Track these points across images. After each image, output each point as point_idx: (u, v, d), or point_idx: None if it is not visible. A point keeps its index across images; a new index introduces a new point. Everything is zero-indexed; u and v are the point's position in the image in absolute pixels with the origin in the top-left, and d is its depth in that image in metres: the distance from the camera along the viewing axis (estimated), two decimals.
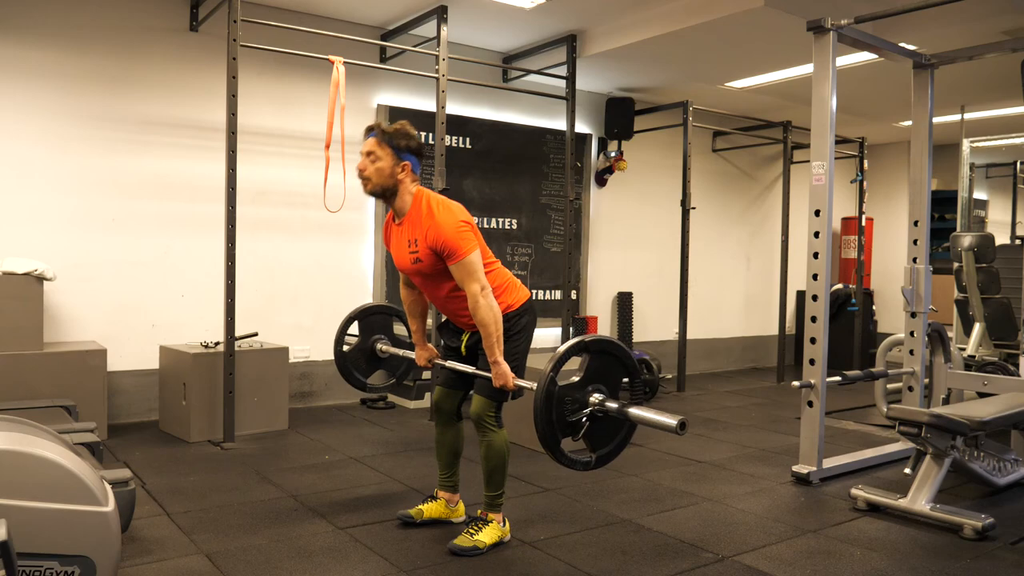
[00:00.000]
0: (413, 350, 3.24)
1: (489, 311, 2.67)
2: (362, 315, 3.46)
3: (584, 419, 2.40)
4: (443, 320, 3.07)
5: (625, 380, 2.52)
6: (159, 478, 3.62)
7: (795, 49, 5.19)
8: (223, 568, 2.62)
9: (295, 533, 2.96)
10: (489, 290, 2.70)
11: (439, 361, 3.05)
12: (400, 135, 2.79)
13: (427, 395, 5.26)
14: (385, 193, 2.80)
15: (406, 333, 3.42)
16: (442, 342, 3.08)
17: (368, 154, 2.78)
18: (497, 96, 6.11)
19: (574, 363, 2.46)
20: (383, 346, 3.42)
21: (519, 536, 2.96)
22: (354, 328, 3.45)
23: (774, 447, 4.55)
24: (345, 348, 3.43)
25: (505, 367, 2.69)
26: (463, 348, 2.95)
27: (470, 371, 2.87)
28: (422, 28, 5.20)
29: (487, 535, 2.81)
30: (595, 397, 2.42)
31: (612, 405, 2.40)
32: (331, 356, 5.40)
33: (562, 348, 2.38)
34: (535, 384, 2.41)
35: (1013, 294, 5.65)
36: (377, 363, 3.47)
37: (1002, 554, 2.90)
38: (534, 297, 6.40)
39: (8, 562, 1.61)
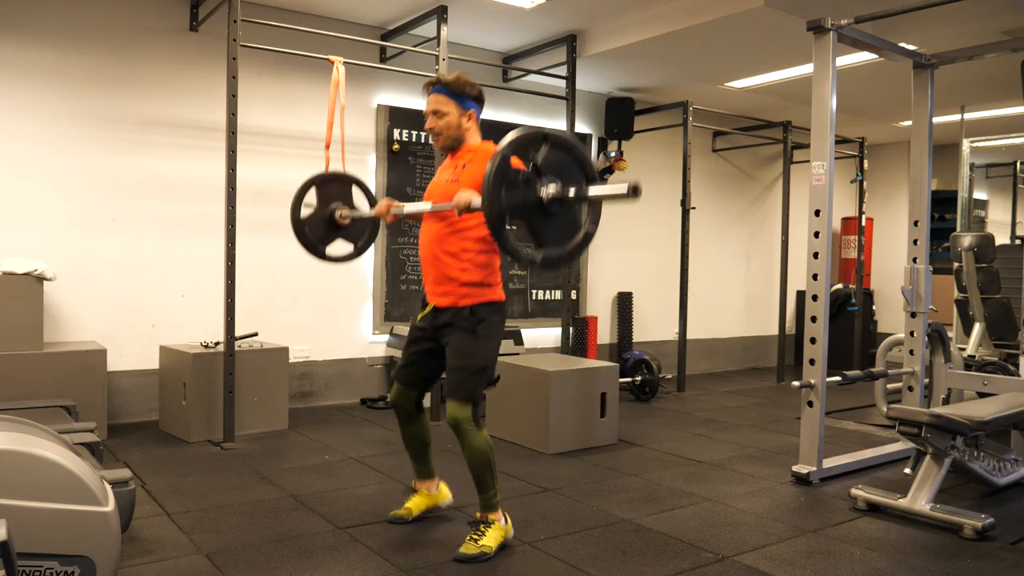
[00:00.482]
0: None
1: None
2: (319, 182, 3.37)
3: (537, 207, 2.31)
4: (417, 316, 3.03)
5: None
6: (159, 478, 3.62)
7: (795, 49, 5.19)
8: (223, 568, 2.62)
9: (295, 533, 2.96)
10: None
11: (397, 209, 2.99)
12: (462, 84, 2.84)
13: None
14: (454, 145, 2.87)
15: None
16: (409, 336, 3.03)
17: (434, 112, 2.83)
18: (497, 96, 6.11)
19: None
20: (343, 211, 3.33)
21: (519, 536, 2.96)
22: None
23: (774, 447, 4.55)
24: (303, 215, 3.33)
25: (467, 193, 2.55)
26: (430, 328, 2.90)
27: (424, 208, 2.81)
28: (422, 28, 5.20)
29: (491, 538, 2.79)
30: (549, 188, 2.32)
31: (568, 190, 2.31)
32: (332, 356, 5.48)
33: (519, 131, 2.30)
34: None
35: (1013, 294, 5.65)
36: (336, 231, 3.37)
37: (1002, 554, 2.90)
38: (534, 297, 6.45)
39: (8, 562, 1.61)
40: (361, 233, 3.46)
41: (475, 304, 2.79)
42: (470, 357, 2.77)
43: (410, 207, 2.97)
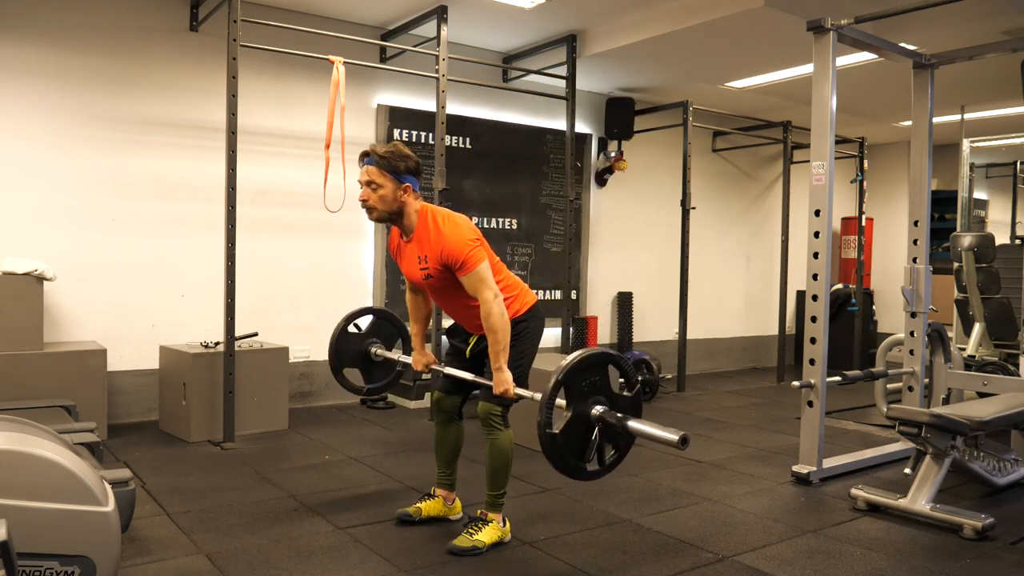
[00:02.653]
0: (408, 354, 3.25)
1: (500, 318, 2.70)
2: (356, 315, 3.45)
3: (592, 442, 2.40)
4: (452, 324, 3.08)
5: (621, 381, 2.52)
6: (159, 478, 3.62)
7: (795, 49, 5.19)
8: (223, 568, 2.62)
9: (295, 533, 2.96)
10: (501, 298, 2.74)
11: (436, 367, 3.07)
12: (397, 157, 2.77)
13: (427, 395, 5.25)
14: (392, 217, 2.83)
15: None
16: (446, 343, 3.09)
17: (368, 183, 2.78)
18: (497, 96, 6.11)
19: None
20: (378, 349, 3.41)
21: (519, 536, 2.96)
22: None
23: (774, 447, 4.55)
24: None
25: (507, 375, 2.71)
26: (468, 352, 2.97)
27: (469, 378, 2.89)
28: (422, 28, 5.20)
29: (487, 535, 2.81)
30: (596, 411, 2.39)
31: (612, 421, 2.37)
32: None
33: (544, 401, 2.34)
34: (535, 394, 2.43)
35: (1013, 294, 5.64)
36: (370, 366, 3.45)
37: (1002, 554, 2.90)
38: None
39: (8, 562, 1.61)
40: (392, 369, 3.49)
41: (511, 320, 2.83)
42: (509, 363, 2.79)
43: (449, 369, 2.98)
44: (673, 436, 2.24)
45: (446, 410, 3.04)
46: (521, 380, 2.83)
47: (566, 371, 2.35)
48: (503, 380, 2.70)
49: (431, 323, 4.14)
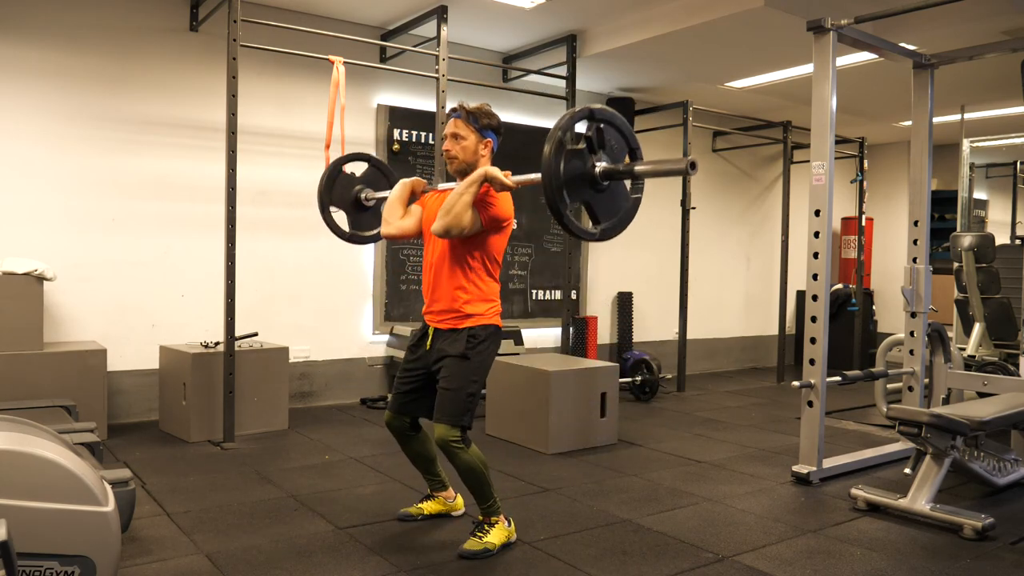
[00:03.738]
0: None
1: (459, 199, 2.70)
2: (351, 159, 3.48)
3: (591, 183, 2.37)
4: (413, 339, 3.01)
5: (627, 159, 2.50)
6: (159, 478, 3.62)
7: (795, 49, 5.19)
8: (223, 568, 2.62)
9: (295, 533, 2.96)
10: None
11: (426, 187, 3.04)
12: (483, 114, 2.88)
13: None
14: (467, 171, 2.87)
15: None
16: (406, 357, 3.00)
17: (454, 135, 2.86)
18: (497, 96, 6.11)
19: None
20: (366, 193, 3.41)
21: (519, 536, 2.96)
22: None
23: (774, 447, 4.55)
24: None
25: (493, 171, 2.73)
26: (428, 344, 2.90)
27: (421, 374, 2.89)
28: (422, 28, 5.20)
29: (495, 536, 2.81)
30: (601, 164, 2.37)
31: (620, 168, 2.36)
32: (332, 356, 5.47)
33: (567, 113, 2.36)
34: (534, 175, 2.46)
35: (1013, 294, 5.64)
36: (357, 212, 3.44)
37: (1002, 554, 2.90)
38: (534, 297, 6.45)
39: (8, 562, 1.61)
40: (372, 224, 3.54)
41: (473, 327, 2.81)
42: (462, 381, 2.76)
43: (441, 186, 3.00)
44: (679, 164, 2.23)
45: (397, 430, 2.99)
46: (471, 402, 2.77)
47: (602, 108, 2.39)
48: (488, 171, 2.72)
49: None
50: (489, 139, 2.90)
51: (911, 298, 4.22)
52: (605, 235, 2.47)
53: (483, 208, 2.75)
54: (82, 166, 4.59)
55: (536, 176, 2.44)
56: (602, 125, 2.39)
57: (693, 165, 2.21)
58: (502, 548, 2.82)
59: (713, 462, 4.19)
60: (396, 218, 2.98)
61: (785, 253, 7.09)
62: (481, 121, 2.87)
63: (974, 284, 5.66)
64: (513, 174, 2.79)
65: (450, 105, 5.39)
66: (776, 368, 7.34)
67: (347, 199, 3.45)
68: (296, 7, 5.09)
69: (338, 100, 4.47)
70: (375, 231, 3.53)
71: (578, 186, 2.36)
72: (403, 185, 3.05)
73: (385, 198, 3.33)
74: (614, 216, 2.47)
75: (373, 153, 5.58)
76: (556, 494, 3.53)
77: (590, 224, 2.46)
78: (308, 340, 5.36)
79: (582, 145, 2.35)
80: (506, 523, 2.87)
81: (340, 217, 3.60)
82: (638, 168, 2.37)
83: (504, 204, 2.82)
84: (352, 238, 3.52)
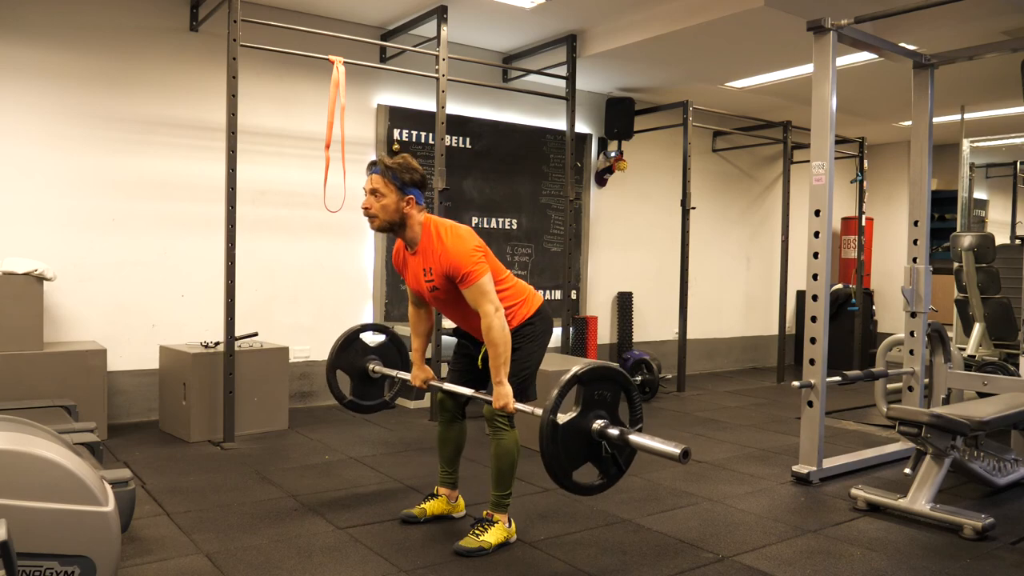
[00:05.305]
0: (407, 370, 3.27)
1: (500, 332, 2.71)
2: (372, 328, 3.50)
3: (590, 451, 2.43)
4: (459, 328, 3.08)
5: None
6: (159, 478, 3.62)
7: (795, 49, 5.19)
8: (223, 568, 2.62)
9: (295, 533, 2.96)
10: (502, 311, 2.75)
11: (434, 383, 3.09)
12: (404, 169, 2.81)
13: (427, 395, 5.25)
14: (393, 227, 2.85)
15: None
16: (456, 345, 3.08)
17: (372, 192, 2.81)
18: (497, 96, 6.11)
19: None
20: (375, 366, 3.42)
21: (520, 536, 2.96)
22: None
23: (774, 447, 4.55)
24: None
25: (507, 389, 2.71)
26: (479, 361, 2.97)
27: (468, 394, 2.92)
28: (422, 28, 5.20)
29: (493, 535, 2.82)
30: (597, 425, 2.43)
31: (614, 433, 2.41)
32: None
33: (555, 392, 2.38)
34: (536, 409, 2.46)
35: (1013, 294, 5.64)
36: (363, 382, 3.45)
37: (1002, 554, 2.90)
38: None
39: (8, 562, 1.61)
40: (376, 395, 3.52)
41: (514, 328, 2.83)
42: (515, 368, 2.80)
43: (447, 388, 3.00)
44: (675, 449, 2.29)
45: (449, 410, 3.05)
46: (527, 382, 2.85)
47: (587, 370, 2.40)
48: (502, 394, 2.71)
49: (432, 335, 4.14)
50: (411, 195, 2.80)
51: (911, 298, 4.22)
52: (611, 482, 2.53)
53: (465, 281, 2.73)
54: (82, 166, 4.59)
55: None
56: (590, 383, 2.42)
57: (686, 454, 2.30)
58: (498, 548, 2.82)
59: (713, 462, 4.19)
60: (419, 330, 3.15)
61: (785, 253, 7.09)
62: (402, 177, 2.78)
63: (974, 284, 5.66)
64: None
65: (450, 106, 5.41)
66: (776, 368, 7.34)
67: (356, 367, 3.43)
68: (296, 7, 5.09)
69: (338, 100, 4.47)
70: (375, 401, 3.52)
71: (578, 452, 2.43)
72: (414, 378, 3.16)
73: (390, 376, 3.39)
74: (617, 463, 2.51)
75: (373, 153, 5.59)
76: (556, 494, 3.53)
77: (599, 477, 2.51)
78: (308, 340, 5.36)
79: (573, 414, 2.39)
80: (507, 523, 2.88)
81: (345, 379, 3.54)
82: (632, 439, 2.39)
83: (467, 258, 2.73)
84: (351, 405, 3.47)
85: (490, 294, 2.74)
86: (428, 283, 2.84)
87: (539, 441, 2.36)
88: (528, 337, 2.88)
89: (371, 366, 3.43)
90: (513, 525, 2.92)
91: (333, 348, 3.38)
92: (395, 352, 3.51)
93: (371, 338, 3.49)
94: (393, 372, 3.39)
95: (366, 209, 2.82)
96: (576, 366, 2.44)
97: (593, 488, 2.49)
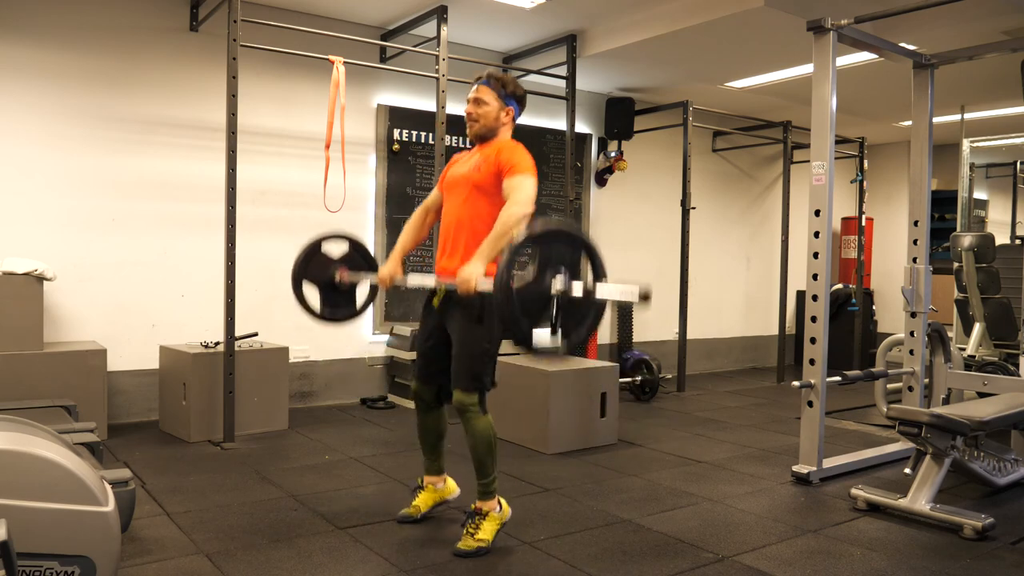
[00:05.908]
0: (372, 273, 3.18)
1: (515, 220, 2.67)
2: (332, 237, 3.37)
3: (551, 308, 2.37)
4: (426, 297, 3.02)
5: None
6: (159, 478, 3.62)
7: (795, 49, 5.19)
8: (223, 568, 2.62)
9: (295, 533, 2.96)
10: (528, 217, 2.73)
11: (399, 280, 3.01)
12: (507, 82, 2.95)
13: None
14: (486, 136, 2.93)
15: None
16: (422, 318, 3.05)
17: (476, 100, 2.92)
18: None
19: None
20: (344, 275, 3.29)
21: (519, 536, 2.96)
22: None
23: (774, 447, 4.55)
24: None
25: (477, 268, 2.61)
26: (436, 301, 2.92)
27: (431, 284, 2.88)
28: (422, 28, 5.20)
29: (486, 531, 2.81)
30: (557, 282, 2.38)
31: (576, 284, 2.37)
32: (332, 356, 5.47)
33: (508, 253, 2.34)
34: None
35: (1013, 294, 5.64)
36: (331, 292, 3.33)
37: (1002, 554, 2.90)
38: None
39: (8, 562, 1.61)
40: (346, 303, 3.38)
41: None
42: (475, 343, 2.79)
43: (414, 279, 2.97)
44: (632, 292, 2.28)
45: (424, 399, 3.06)
46: (488, 364, 2.81)
47: (542, 231, 2.40)
48: (467, 271, 2.59)
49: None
50: (511, 107, 2.95)
51: (911, 298, 4.22)
52: (571, 350, 2.46)
53: (512, 171, 2.77)
54: (82, 166, 4.59)
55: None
56: (547, 243, 2.40)
57: (645, 296, 2.27)
58: (496, 536, 2.83)
59: (713, 462, 4.19)
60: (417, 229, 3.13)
61: (785, 253, 7.09)
62: (507, 89, 2.93)
63: (974, 284, 5.66)
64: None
65: (451, 106, 5.40)
66: (776, 368, 7.34)
67: (323, 278, 3.30)
68: (296, 7, 5.09)
69: (338, 100, 4.47)
70: (347, 312, 3.40)
71: (540, 314, 2.37)
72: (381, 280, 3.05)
73: (358, 276, 3.26)
74: (582, 323, 2.45)
75: (373, 154, 5.59)
76: (556, 494, 3.53)
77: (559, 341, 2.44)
78: (308, 340, 5.36)
79: (533, 268, 2.35)
80: (497, 508, 2.87)
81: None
82: (596, 289, 2.38)
83: (524, 158, 2.82)
84: (323, 318, 3.35)
85: (528, 191, 2.74)
86: (475, 167, 2.87)
87: (495, 306, 2.30)
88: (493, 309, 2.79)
89: (338, 277, 3.31)
90: (505, 506, 2.92)
91: (295, 261, 3.26)
92: (360, 260, 3.37)
93: (335, 249, 3.35)
94: (361, 275, 3.26)
95: (469, 114, 2.94)
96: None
97: (555, 350, 2.41)
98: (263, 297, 5.17)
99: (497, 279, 2.31)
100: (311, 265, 3.27)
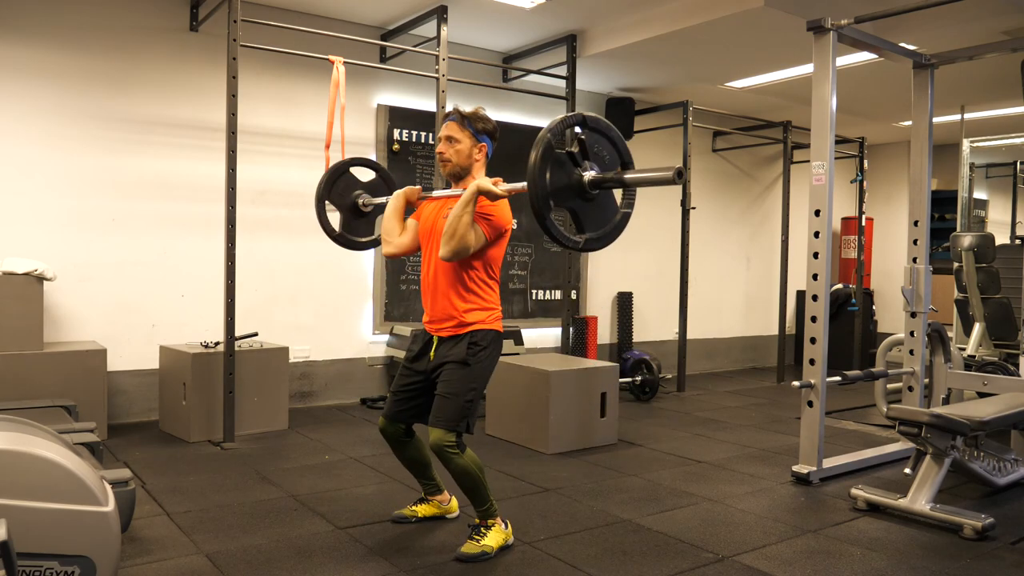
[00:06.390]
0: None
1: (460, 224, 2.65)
2: (361, 163, 3.47)
3: (579, 191, 2.37)
4: (413, 352, 2.97)
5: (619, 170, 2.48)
6: (159, 478, 3.62)
7: (795, 49, 5.19)
8: (223, 568, 2.62)
9: (295, 533, 2.96)
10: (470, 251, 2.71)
11: (423, 195, 3.02)
12: (478, 119, 2.89)
13: None
14: (460, 175, 2.88)
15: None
16: (405, 360, 2.98)
17: (448, 138, 2.87)
18: (497, 96, 6.11)
19: None
20: (366, 200, 3.37)
21: (519, 536, 2.96)
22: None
23: (774, 447, 4.55)
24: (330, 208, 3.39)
25: (485, 181, 2.64)
26: (432, 354, 2.87)
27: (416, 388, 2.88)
28: (422, 28, 5.20)
29: (492, 539, 2.79)
30: (591, 171, 2.38)
31: (607, 176, 2.37)
32: (332, 356, 5.47)
33: (558, 119, 2.36)
34: (520, 183, 2.42)
35: (1013, 294, 5.64)
36: (353, 216, 3.39)
37: (1002, 554, 2.90)
38: (534, 297, 6.45)
39: (8, 562, 1.61)
40: (366, 232, 3.50)
41: (476, 331, 2.79)
42: (461, 388, 2.75)
43: (436, 194, 2.98)
44: (667, 172, 2.23)
45: (391, 436, 2.97)
46: (469, 408, 2.76)
47: (593, 117, 2.43)
48: (480, 184, 2.63)
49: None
50: (484, 143, 2.89)
51: (911, 298, 4.22)
52: (588, 245, 2.45)
53: (483, 221, 2.73)
54: (82, 166, 4.59)
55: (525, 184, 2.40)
56: (591, 134, 2.40)
57: (680, 174, 2.20)
58: (500, 551, 2.81)
59: (713, 462, 4.19)
60: (395, 236, 2.98)
61: (785, 253, 7.09)
62: (476, 125, 2.86)
63: (974, 284, 5.66)
64: (510, 174, 2.78)
65: (450, 105, 5.40)
66: (776, 368, 7.34)
67: (346, 201, 3.41)
68: (296, 7, 5.09)
69: (338, 100, 4.47)
70: (366, 238, 3.48)
71: (565, 194, 2.35)
72: (398, 197, 3.02)
73: (382, 205, 3.30)
74: (600, 228, 2.46)
75: (373, 154, 5.59)
76: (556, 494, 3.53)
77: (575, 232, 2.44)
78: (308, 340, 5.36)
79: (574, 148, 2.35)
80: (503, 525, 2.86)
81: (335, 218, 3.54)
82: (627, 176, 2.36)
83: (502, 212, 2.80)
84: (341, 239, 3.43)
85: (476, 237, 2.69)
86: (445, 218, 2.79)
87: (528, 166, 2.27)
88: (486, 349, 2.80)
89: (360, 199, 3.38)
90: (509, 527, 2.90)
91: (321, 181, 3.32)
92: (385, 188, 3.44)
93: (361, 175, 3.43)
94: (382, 200, 3.29)
95: (440, 154, 2.88)
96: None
97: (575, 243, 2.41)
98: (263, 297, 5.17)
99: (536, 149, 2.29)
100: (336, 186, 3.32)
